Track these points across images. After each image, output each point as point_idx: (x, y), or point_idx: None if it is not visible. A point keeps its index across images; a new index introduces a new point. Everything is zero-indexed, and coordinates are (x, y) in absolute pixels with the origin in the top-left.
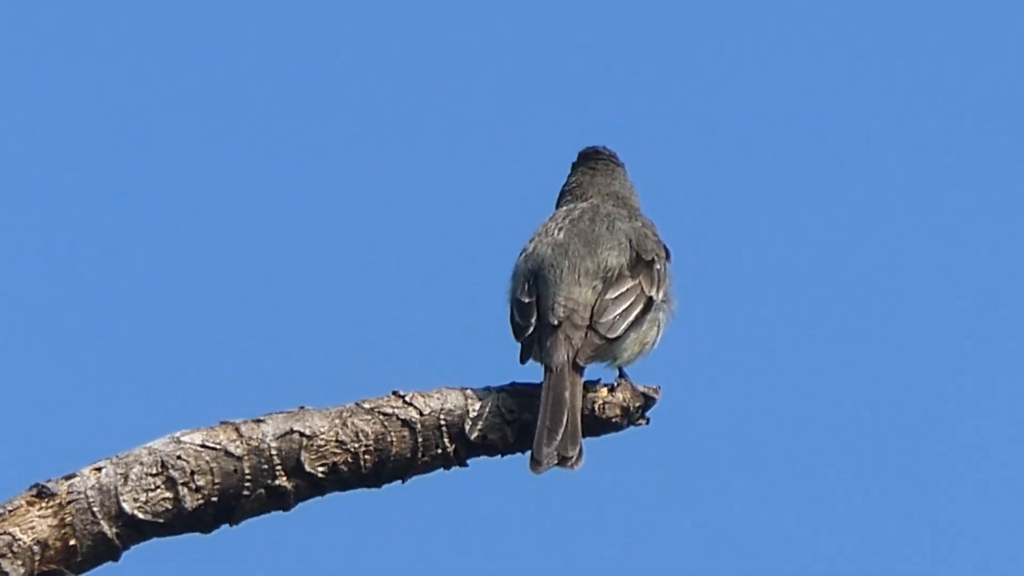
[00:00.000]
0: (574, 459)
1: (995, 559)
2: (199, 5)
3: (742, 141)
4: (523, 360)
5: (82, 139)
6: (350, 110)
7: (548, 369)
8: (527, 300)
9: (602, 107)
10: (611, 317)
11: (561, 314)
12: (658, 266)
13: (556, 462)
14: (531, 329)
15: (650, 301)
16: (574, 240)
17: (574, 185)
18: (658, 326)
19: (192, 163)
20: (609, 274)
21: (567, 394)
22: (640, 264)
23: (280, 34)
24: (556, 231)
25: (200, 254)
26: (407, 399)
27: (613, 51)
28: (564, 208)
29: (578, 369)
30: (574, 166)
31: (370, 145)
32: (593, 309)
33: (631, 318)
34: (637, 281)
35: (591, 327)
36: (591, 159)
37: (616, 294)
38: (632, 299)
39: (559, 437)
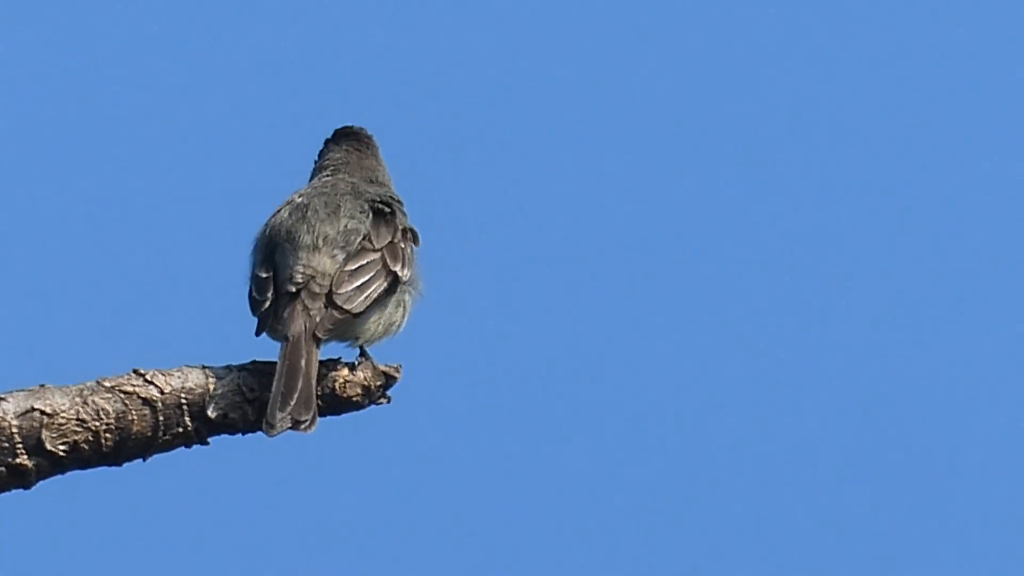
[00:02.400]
0: (307, 423)
1: (996, 558)
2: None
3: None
4: (258, 332)
5: None
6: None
7: (284, 339)
8: (264, 275)
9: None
10: (349, 290)
11: (299, 280)
12: (402, 245)
13: (289, 425)
14: (267, 304)
15: (395, 278)
16: (315, 202)
17: (326, 161)
18: (404, 307)
19: None
20: (351, 239)
21: (303, 362)
22: (383, 235)
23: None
24: (297, 198)
25: None
26: (148, 377)
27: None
28: (312, 181)
29: (315, 340)
30: (327, 142)
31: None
32: (332, 280)
33: (371, 291)
34: (380, 255)
35: (330, 299)
36: (345, 137)
37: (356, 266)
38: (373, 272)
39: (293, 402)
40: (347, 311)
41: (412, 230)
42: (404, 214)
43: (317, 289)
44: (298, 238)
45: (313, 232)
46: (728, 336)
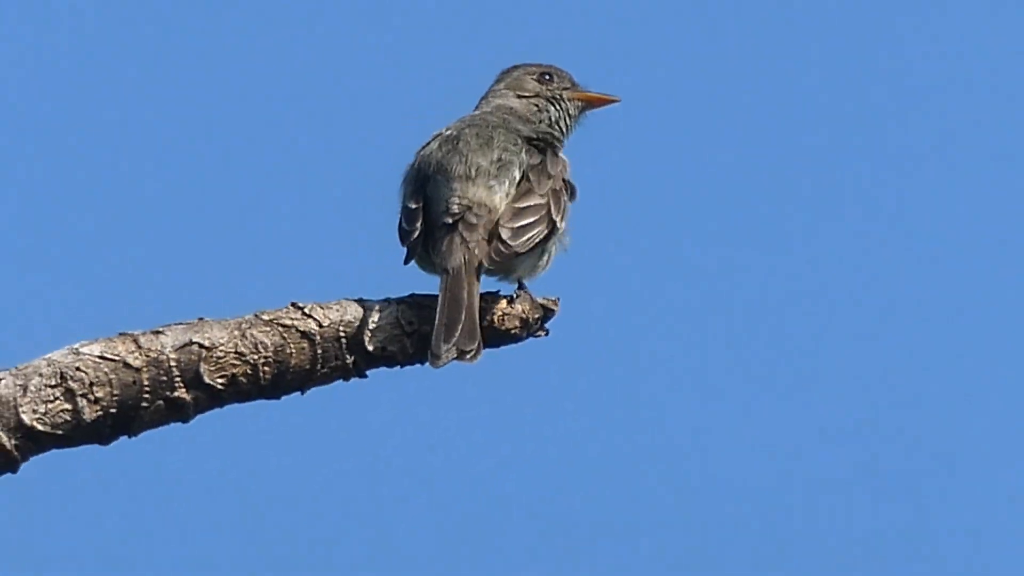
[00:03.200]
0: (472, 352)
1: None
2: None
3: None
4: (406, 262)
5: None
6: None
7: (445, 271)
8: (414, 206)
9: None
10: (516, 226)
11: (455, 211)
12: (564, 196)
13: (455, 356)
14: (416, 234)
15: (554, 227)
16: (465, 133)
17: (482, 100)
18: (549, 256)
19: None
20: (506, 171)
21: (465, 293)
22: (543, 181)
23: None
24: (447, 130)
25: (98, 166)
26: (306, 311)
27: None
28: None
29: (477, 272)
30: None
31: (279, 69)
32: (493, 212)
33: (534, 234)
34: (546, 200)
35: (494, 233)
36: (505, 74)
37: (524, 205)
38: (537, 216)
39: (457, 333)
40: (512, 248)
41: (571, 183)
42: (563, 158)
43: (474, 220)
44: (450, 169)
45: (466, 162)
46: (729, 336)
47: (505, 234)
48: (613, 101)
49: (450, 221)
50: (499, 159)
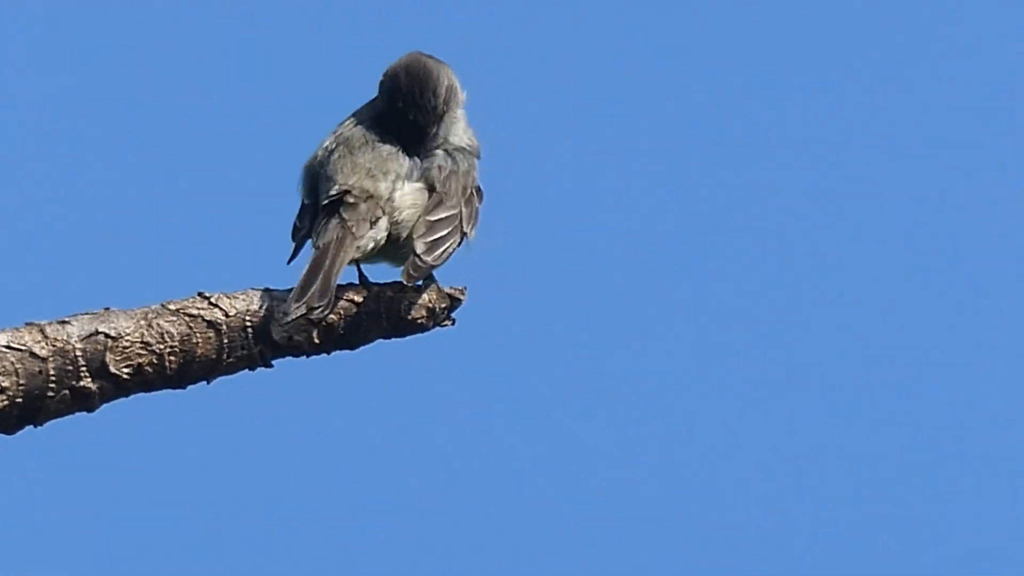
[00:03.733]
0: (321, 307)
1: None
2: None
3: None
4: (290, 260)
5: None
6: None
7: (315, 248)
8: (306, 202)
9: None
10: (432, 239)
11: (333, 193)
12: (476, 203)
13: (304, 311)
14: (304, 231)
15: (463, 238)
16: (373, 130)
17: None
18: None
19: None
20: (389, 161)
21: (326, 261)
22: (453, 187)
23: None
24: (351, 125)
25: (3, 154)
26: (213, 300)
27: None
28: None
29: (346, 249)
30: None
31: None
32: (413, 227)
33: (449, 247)
34: (458, 211)
35: (412, 249)
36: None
37: (437, 218)
38: (451, 228)
39: (310, 293)
40: (427, 263)
41: (479, 188)
42: (470, 163)
43: (351, 200)
44: (339, 163)
45: (355, 157)
46: (729, 336)
47: (420, 248)
48: None
49: (326, 202)
50: (385, 155)
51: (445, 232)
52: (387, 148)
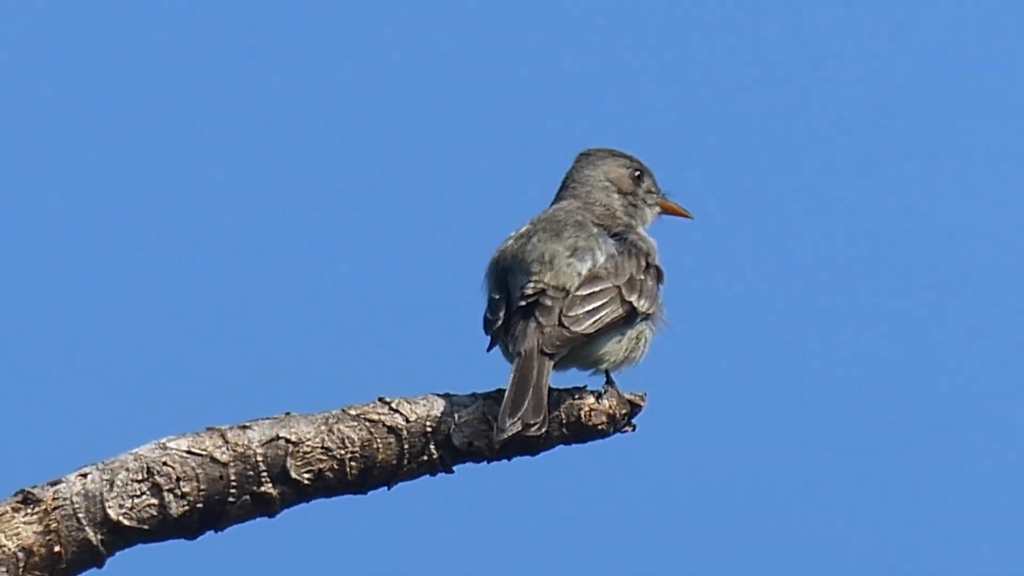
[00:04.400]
0: (537, 425)
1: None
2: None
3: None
4: (489, 349)
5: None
6: (324, 109)
7: (517, 354)
8: (496, 296)
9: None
10: (579, 313)
11: (529, 293)
12: (641, 277)
13: (519, 429)
14: (499, 323)
15: (633, 308)
16: (539, 228)
17: (566, 183)
18: (644, 340)
19: (173, 165)
20: (581, 255)
21: (533, 373)
22: (623, 268)
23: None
24: (524, 227)
25: (184, 258)
26: (393, 405)
27: (605, 51)
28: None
29: (546, 355)
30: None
31: (348, 146)
32: (564, 300)
33: (602, 315)
34: (614, 283)
35: (560, 319)
36: (578, 161)
37: (588, 291)
38: (607, 299)
39: (523, 408)
40: (575, 332)
41: (658, 268)
42: (650, 241)
43: (549, 303)
44: (526, 256)
45: (539, 251)
46: (732, 336)
47: (568, 320)
48: (687, 216)
49: (524, 304)
50: (573, 244)
51: (599, 303)
52: (569, 239)
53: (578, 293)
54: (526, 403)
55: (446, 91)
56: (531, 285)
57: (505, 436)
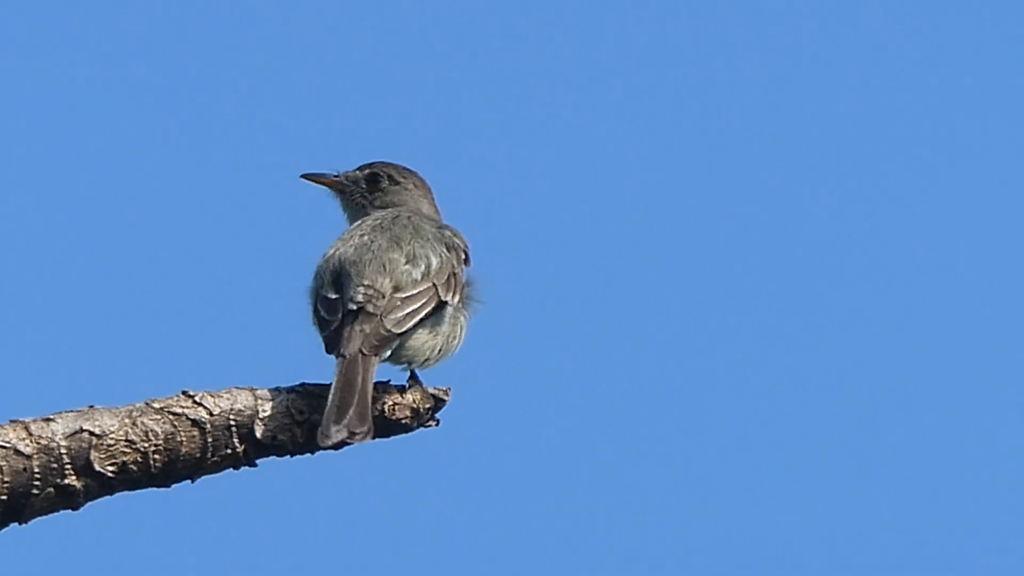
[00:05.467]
0: (362, 434)
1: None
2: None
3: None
4: (328, 351)
5: None
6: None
7: (341, 356)
8: (333, 296)
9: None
10: (399, 315)
11: (360, 298)
12: (456, 270)
13: (344, 436)
14: (336, 323)
15: (442, 304)
16: (378, 237)
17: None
18: (459, 326)
19: None
20: (415, 262)
21: (359, 378)
22: (444, 268)
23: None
24: (359, 235)
25: None
26: (197, 399)
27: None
28: (368, 218)
29: (367, 357)
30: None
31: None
32: (385, 302)
33: (419, 316)
34: (431, 284)
35: (380, 320)
36: (387, 177)
37: (407, 294)
38: (423, 300)
39: (348, 415)
40: (390, 331)
41: (465, 251)
42: (460, 240)
43: (372, 309)
44: (361, 264)
45: (376, 259)
46: (734, 335)
47: (387, 323)
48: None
49: (353, 308)
50: (413, 254)
51: (416, 306)
52: (407, 247)
53: (396, 295)
54: (351, 410)
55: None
56: (361, 291)
57: (330, 443)
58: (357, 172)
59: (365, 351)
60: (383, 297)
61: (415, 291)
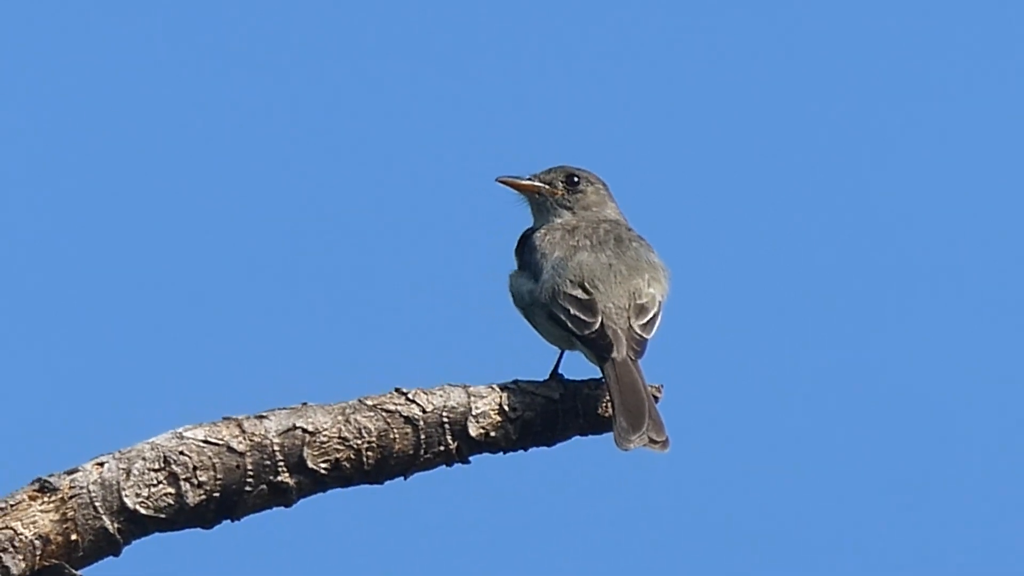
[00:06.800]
0: (662, 444)
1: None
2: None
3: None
4: (598, 352)
5: (75, 136)
6: (349, 110)
7: (611, 360)
8: (584, 296)
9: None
10: (644, 321)
11: (614, 317)
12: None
13: (645, 443)
14: (596, 326)
15: (661, 306)
16: (615, 261)
17: (573, 201)
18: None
19: (193, 158)
20: (639, 292)
21: (639, 384)
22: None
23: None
24: (587, 245)
25: (202, 249)
26: (410, 396)
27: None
28: (577, 221)
29: (635, 361)
30: (566, 183)
31: (368, 143)
32: (628, 313)
33: (658, 321)
34: (660, 299)
35: (629, 328)
36: (586, 179)
37: (645, 300)
38: (656, 309)
39: (645, 422)
40: (641, 335)
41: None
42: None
43: (623, 324)
44: (607, 283)
45: (620, 283)
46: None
47: (639, 330)
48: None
49: (612, 326)
50: (648, 262)
51: (653, 311)
52: (636, 273)
53: (638, 301)
54: (646, 417)
55: (451, 89)
56: (612, 308)
57: (631, 447)
58: (552, 174)
59: (632, 356)
60: (627, 309)
61: (654, 309)
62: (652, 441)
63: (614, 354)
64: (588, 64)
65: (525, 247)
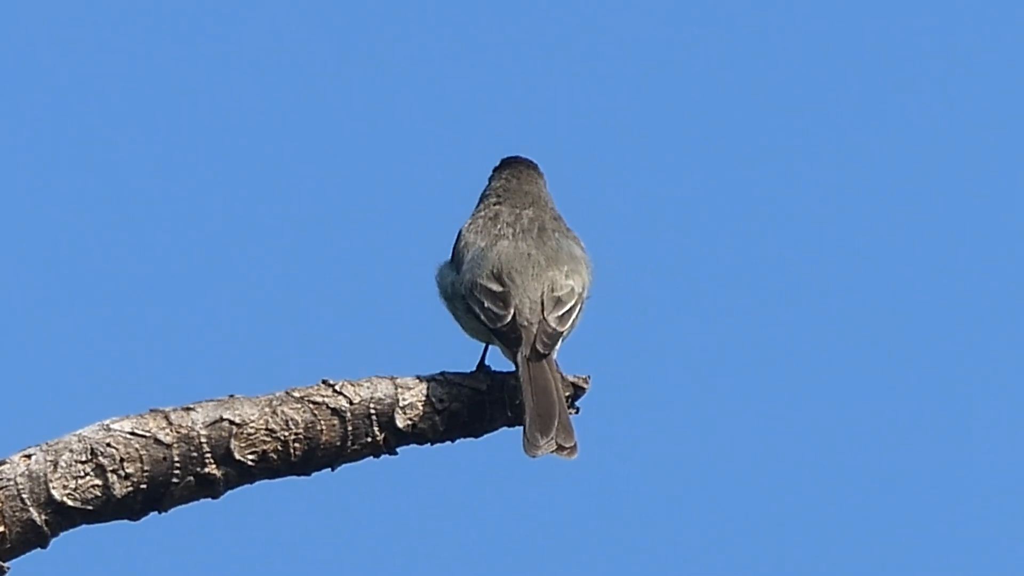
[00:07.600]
0: (570, 450)
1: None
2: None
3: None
4: (509, 345)
5: None
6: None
7: (521, 354)
8: (498, 288)
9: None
10: (559, 313)
11: (527, 311)
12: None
13: (552, 449)
14: (508, 319)
15: (580, 299)
16: (534, 251)
17: (500, 189)
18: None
19: (120, 152)
20: (555, 284)
21: (551, 384)
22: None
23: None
24: (509, 234)
25: (130, 242)
26: (337, 388)
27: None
28: (503, 208)
29: (548, 356)
30: (497, 171)
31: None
32: (542, 306)
33: (574, 314)
34: (581, 292)
35: (542, 321)
36: (515, 166)
37: (561, 293)
38: (573, 302)
39: (554, 426)
40: (555, 328)
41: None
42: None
43: (535, 319)
44: (524, 274)
45: (537, 276)
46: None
47: (552, 323)
48: None
49: (523, 323)
50: (569, 253)
51: (568, 307)
52: (556, 263)
53: (554, 294)
54: (555, 421)
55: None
56: (527, 302)
57: (537, 455)
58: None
59: (543, 350)
60: (538, 305)
61: (571, 302)
62: (560, 447)
63: (523, 348)
64: (574, 63)
65: (456, 237)
